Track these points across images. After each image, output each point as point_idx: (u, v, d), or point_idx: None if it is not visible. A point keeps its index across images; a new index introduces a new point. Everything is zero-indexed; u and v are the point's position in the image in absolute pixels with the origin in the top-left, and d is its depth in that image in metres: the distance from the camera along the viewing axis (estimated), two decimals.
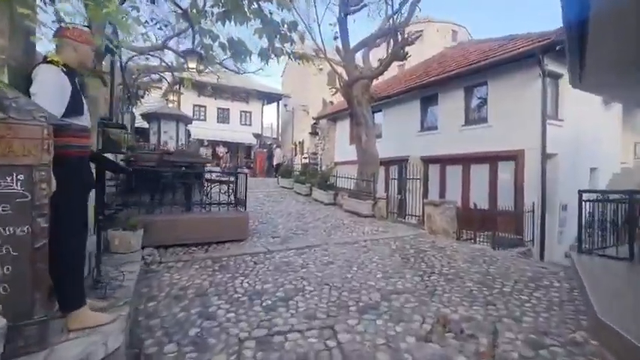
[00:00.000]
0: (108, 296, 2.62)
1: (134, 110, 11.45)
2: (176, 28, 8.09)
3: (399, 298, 3.19)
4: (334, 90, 9.45)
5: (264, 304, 3.06)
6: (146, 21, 7.72)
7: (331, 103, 20.60)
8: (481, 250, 5.10)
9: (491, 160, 9.07)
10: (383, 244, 5.33)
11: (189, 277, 3.71)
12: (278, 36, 4.41)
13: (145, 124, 13.21)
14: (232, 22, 3.94)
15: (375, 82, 11.53)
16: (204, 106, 21.15)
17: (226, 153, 20.72)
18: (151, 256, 4.27)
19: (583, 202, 4.63)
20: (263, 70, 12.12)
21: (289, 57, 4.42)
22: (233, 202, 5.24)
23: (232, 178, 5.74)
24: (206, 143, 21.03)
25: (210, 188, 6.30)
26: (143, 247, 4.41)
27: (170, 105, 10.26)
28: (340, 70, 9.60)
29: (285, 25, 4.17)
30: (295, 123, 25.68)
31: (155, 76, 13.13)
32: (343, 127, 15.61)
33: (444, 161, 10.33)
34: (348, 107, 9.95)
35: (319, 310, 2.94)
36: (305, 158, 16.61)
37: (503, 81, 8.80)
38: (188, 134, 20.44)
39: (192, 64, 5.99)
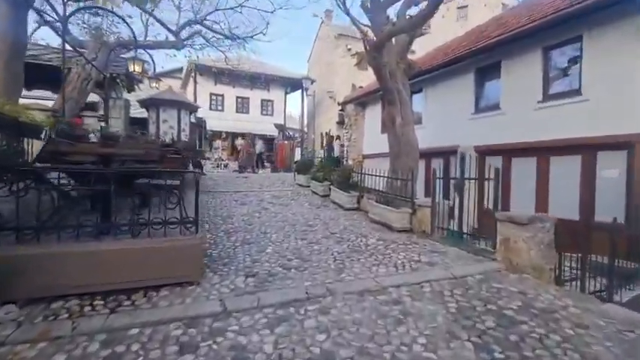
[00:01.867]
0: None
1: (117, 94, 9.83)
2: None
3: None
4: (357, 57, 7.14)
5: None
6: None
7: (361, 88, 18.10)
8: (633, 324, 2.62)
9: (586, 149, 6.29)
10: (430, 298, 3.02)
11: None
12: None
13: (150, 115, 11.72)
14: None
15: (411, 55, 9.00)
16: (222, 95, 19.58)
17: (245, 146, 19.02)
18: None
19: None
20: (264, 34, 9.99)
21: None
22: (177, 220, 3.17)
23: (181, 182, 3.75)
24: (224, 135, 19.53)
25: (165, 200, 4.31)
26: (4, 304, 2.55)
27: (154, 85, 8.49)
28: (365, 29, 7.23)
29: None
30: (322, 111, 23.47)
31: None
32: (373, 113, 13.18)
33: (509, 152, 7.63)
34: (378, 82, 7.58)
35: None
36: (327, 150, 14.40)
37: (610, 32, 5.95)
38: (203, 124, 19.00)
39: None
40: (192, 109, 11.74)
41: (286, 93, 21.87)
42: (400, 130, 7.02)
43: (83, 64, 6.99)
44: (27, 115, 3.92)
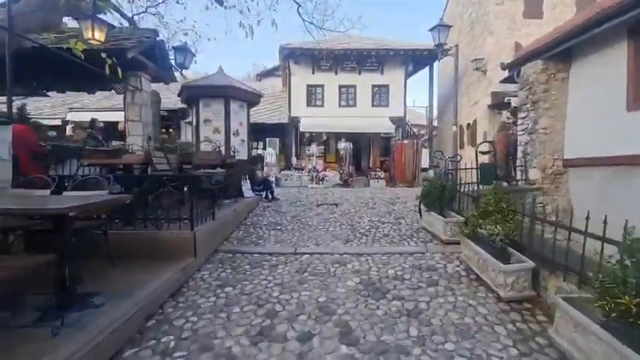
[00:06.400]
0: None
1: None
2: None
3: None
4: None
5: None
6: None
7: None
8: None
9: None
10: None
11: None
12: None
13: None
14: None
15: None
16: (322, 86, 15.26)
17: (350, 150, 14.24)
18: None
19: None
20: None
21: None
22: None
23: None
24: (324, 137, 15.24)
25: None
26: None
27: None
28: None
29: None
30: (461, 94, 16.46)
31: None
32: (598, 72, 6.12)
33: None
34: None
35: None
36: (484, 153, 7.84)
37: None
38: (297, 125, 15.02)
39: None
40: (250, 99, 7.58)
41: (407, 75, 15.93)
42: None
43: None
44: None
